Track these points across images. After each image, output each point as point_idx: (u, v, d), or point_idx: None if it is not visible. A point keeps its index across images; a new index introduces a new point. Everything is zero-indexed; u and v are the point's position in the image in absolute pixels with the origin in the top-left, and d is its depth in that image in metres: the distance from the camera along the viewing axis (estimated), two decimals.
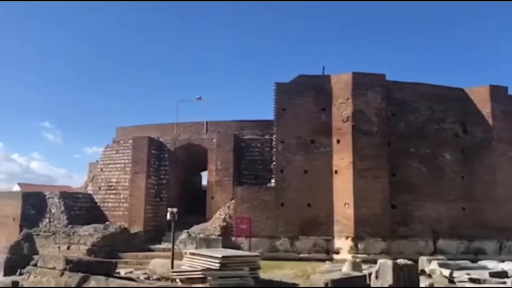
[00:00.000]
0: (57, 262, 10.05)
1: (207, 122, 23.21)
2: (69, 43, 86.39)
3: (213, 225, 18.50)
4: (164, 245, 20.17)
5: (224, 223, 18.15)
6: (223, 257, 10.19)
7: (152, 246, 19.99)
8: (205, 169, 27.03)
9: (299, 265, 15.00)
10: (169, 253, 19.03)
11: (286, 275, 13.00)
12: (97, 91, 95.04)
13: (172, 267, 11.99)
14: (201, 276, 10.12)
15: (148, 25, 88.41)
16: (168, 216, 12.75)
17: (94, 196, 24.17)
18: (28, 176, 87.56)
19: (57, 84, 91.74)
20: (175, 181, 23.14)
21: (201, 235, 18.09)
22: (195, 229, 18.86)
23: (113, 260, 12.44)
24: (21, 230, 21.65)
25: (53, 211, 22.05)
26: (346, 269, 11.88)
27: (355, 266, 12.17)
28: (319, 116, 18.52)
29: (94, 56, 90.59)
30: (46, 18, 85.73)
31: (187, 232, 18.32)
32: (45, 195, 22.77)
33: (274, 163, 18.77)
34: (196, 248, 17.41)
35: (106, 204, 23.65)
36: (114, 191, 23.62)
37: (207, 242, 17.09)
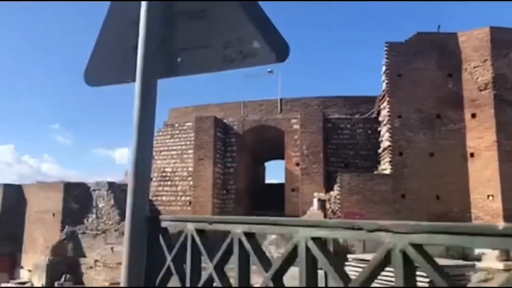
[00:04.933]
0: None
1: (281, 99, 19.35)
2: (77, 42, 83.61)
3: None
4: None
5: (328, 219, 14.23)
6: None
7: None
8: (273, 157, 23.26)
9: None
10: None
11: None
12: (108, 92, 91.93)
13: None
14: None
15: None
16: (315, 206, 8.86)
17: None
18: (40, 178, 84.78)
19: (66, 85, 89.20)
20: (243, 170, 19.32)
21: None
22: None
23: None
24: (62, 228, 18.05)
25: (100, 205, 18.37)
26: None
27: None
28: (444, 83, 14.55)
29: None
30: (53, 17, 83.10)
31: None
32: (89, 187, 19.11)
33: (383, 144, 14.87)
34: None
35: (159, 198, 19.96)
36: (169, 182, 19.92)
37: None
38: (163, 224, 1.59)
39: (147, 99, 1.69)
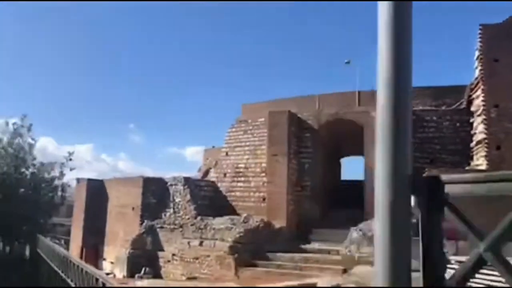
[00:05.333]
0: None
1: (359, 92, 18.40)
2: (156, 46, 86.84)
3: None
4: (316, 245, 15.77)
5: (414, 220, 13.18)
6: None
7: (303, 246, 15.64)
8: (350, 152, 22.36)
9: None
10: (331, 256, 14.66)
11: None
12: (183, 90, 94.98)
13: None
14: None
15: None
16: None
17: (219, 184, 20.51)
18: (117, 175, 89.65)
19: (141, 86, 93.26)
20: (319, 167, 18.62)
21: None
22: (366, 226, 14.10)
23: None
24: (141, 222, 18.50)
25: (177, 200, 18.62)
26: None
27: None
28: None
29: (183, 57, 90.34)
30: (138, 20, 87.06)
31: (360, 230, 13.62)
32: (166, 182, 19.46)
33: (476, 137, 13.48)
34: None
35: (233, 194, 19.86)
36: (242, 178, 19.74)
37: None
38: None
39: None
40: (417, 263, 1.20)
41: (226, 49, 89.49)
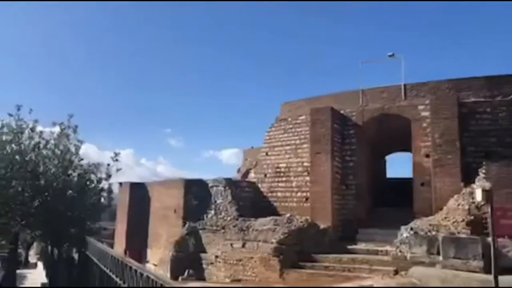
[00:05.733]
0: None
1: (405, 85, 17.52)
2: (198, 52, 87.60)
3: (448, 220, 12.73)
4: (362, 245, 15.06)
5: (471, 217, 12.27)
6: None
7: (349, 247, 14.97)
8: (396, 149, 21.46)
9: None
10: (380, 257, 13.92)
11: None
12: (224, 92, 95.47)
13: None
14: None
15: None
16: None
17: (259, 185, 20.13)
18: (156, 178, 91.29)
19: (180, 92, 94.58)
20: (363, 164, 17.86)
21: (432, 233, 12.42)
22: (418, 225, 13.26)
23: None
24: (184, 224, 18.38)
25: (218, 201, 18.36)
26: None
27: None
28: None
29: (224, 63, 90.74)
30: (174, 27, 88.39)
31: (411, 229, 12.79)
32: (207, 184, 19.27)
33: None
34: (429, 250, 11.90)
35: (274, 194, 19.42)
36: (284, 178, 19.26)
37: (456, 244, 11.30)
38: None
39: None
40: None
41: (260, 49, 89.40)
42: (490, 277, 8.85)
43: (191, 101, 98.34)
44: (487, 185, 12.19)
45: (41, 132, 13.22)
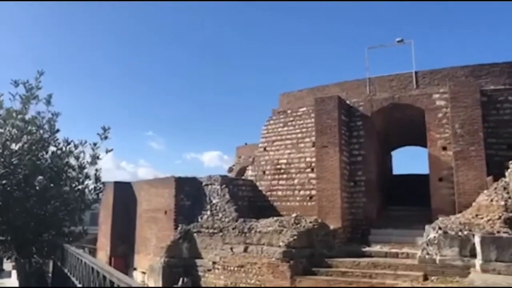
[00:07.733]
0: None
1: (416, 72, 16.17)
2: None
3: (481, 217, 11.35)
4: (378, 247, 13.61)
5: (510, 213, 10.90)
6: None
7: (363, 249, 13.49)
8: (405, 142, 20.15)
9: None
10: (402, 260, 12.48)
11: None
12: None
13: None
14: None
15: None
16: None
17: (258, 183, 18.52)
18: None
19: (161, 93, 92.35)
20: (373, 159, 16.44)
21: (465, 233, 11.01)
22: (446, 223, 11.84)
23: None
24: (176, 227, 16.60)
25: (214, 201, 16.67)
26: None
27: None
28: None
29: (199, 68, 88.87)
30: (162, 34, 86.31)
31: (440, 228, 11.36)
32: (201, 182, 17.54)
33: None
34: (461, 252, 10.50)
35: (274, 193, 17.86)
36: (284, 176, 17.72)
37: (498, 245, 9.90)
38: None
39: None
40: None
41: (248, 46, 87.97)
42: None
43: (172, 103, 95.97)
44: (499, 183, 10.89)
45: None
